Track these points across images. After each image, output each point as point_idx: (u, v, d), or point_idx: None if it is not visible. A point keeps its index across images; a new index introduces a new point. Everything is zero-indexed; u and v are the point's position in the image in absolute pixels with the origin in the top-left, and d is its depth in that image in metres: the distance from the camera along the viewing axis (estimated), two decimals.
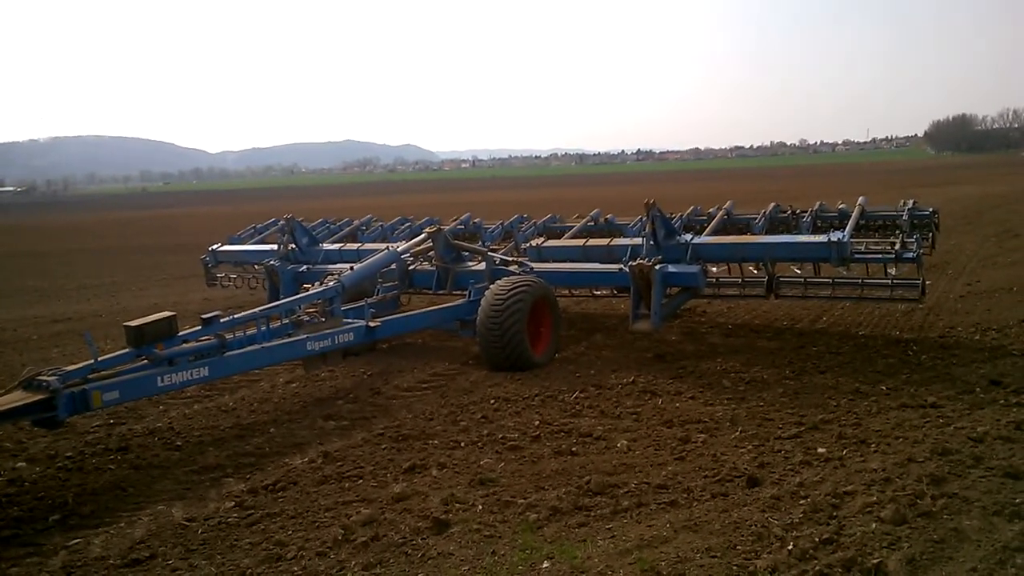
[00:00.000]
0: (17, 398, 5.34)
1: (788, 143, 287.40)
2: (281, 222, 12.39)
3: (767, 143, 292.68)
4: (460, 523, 4.78)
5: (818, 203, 10.14)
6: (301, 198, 72.46)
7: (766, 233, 9.76)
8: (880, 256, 8.53)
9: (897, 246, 8.38)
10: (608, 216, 11.68)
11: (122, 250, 28.80)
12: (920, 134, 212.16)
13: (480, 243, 11.55)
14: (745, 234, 9.88)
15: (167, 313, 6.39)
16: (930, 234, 9.58)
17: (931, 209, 9.70)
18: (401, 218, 13.70)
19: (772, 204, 10.29)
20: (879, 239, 9.14)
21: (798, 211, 10.13)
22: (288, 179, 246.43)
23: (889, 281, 8.64)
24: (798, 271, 9.43)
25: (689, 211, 10.76)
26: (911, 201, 9.83)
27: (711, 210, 10.69)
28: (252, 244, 13.52)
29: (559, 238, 11.10)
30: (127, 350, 6.13)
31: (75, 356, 9.30)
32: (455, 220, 12.43)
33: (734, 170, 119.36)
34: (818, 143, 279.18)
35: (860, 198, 9.92)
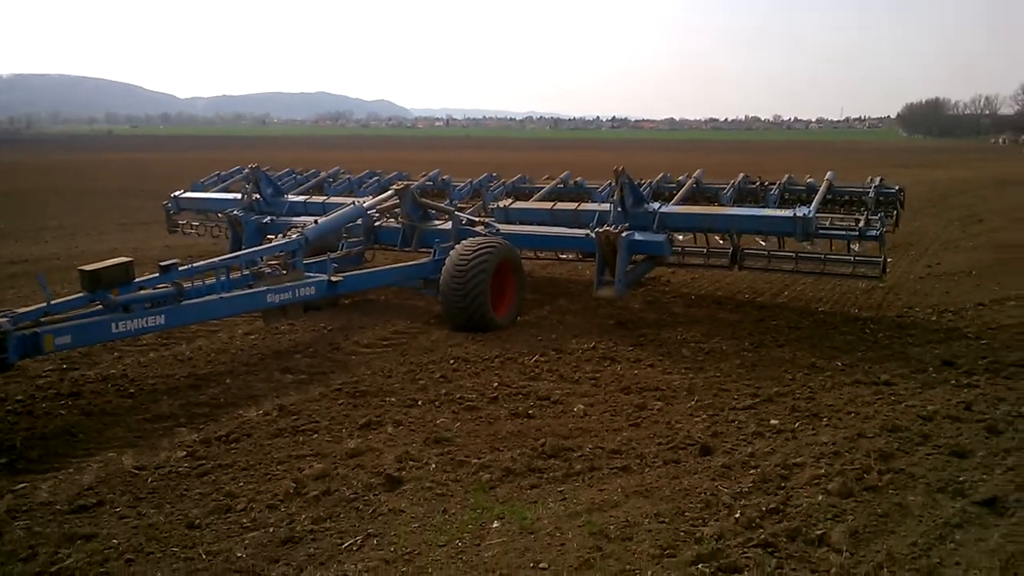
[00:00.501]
0: None
1: (762, 118, 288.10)
2: (246, 170, 12.18)
3: (741, 117, 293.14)
4: (413, 480, 4.79)
5: (787, 176, 10.17)
6: (272, 148, 71.32)
7: (734, 204, 9.80)
8: (844, 233, 8.58)
9: (861, 223, 8.43)
10: (578, 179, 11.64)
11: (84, 192, 28.20)
12: (893, 116, 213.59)
13: (448, 201, 11.46)
14: (714, 203, 9.91)
15: (124, 259, 6.26)
16: (895, 212, 9.67)
17: (897, 187, 9.77)
18: (369, 171, 13.49)
19: (741, 175, 10.32)
20: (844, 215, 9.20)
21: (767, 183, 10.16)
22: (259, 128, 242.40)
23: (851, 258, 8.72)
24: (763, 243, 9.48)
25: (659, 178, 10.75)
26: (878, 178, 9.89)
27: (680, 178, 10.69)
28: (215, 192, 13.29)
29: (528, 198, 11.05)
30: (82, 294, 6.01)
31: (30, 299, 9.14)
32: (424, 176, 12.30)
33: (708, 142, 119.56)
34: (792, 119, 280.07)
35: (828, 173, 9.96)
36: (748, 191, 10.19)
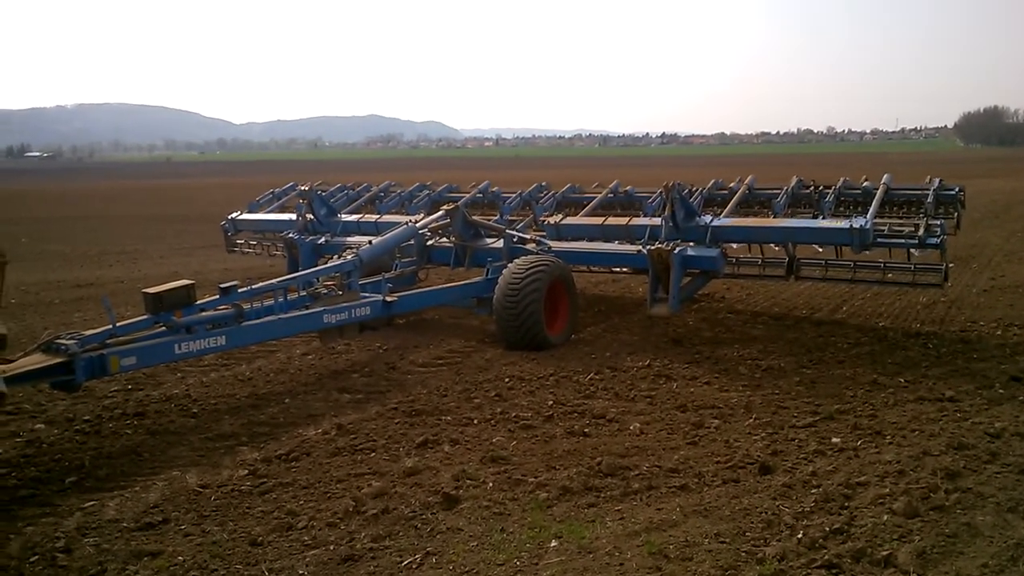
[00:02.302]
0: (36, 361, 5.39)
1: (815, 130, 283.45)
2: (300, 188, 12.41)
3: (793, 130, 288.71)
4: (470, 499, 4.80)
5: (842, 179, 9.90)
6: (325, 171, 72.10)
7: (788, 211, 9.61)
8: (903, 241, 8.33)
9: (920, 231, 8.14)
10: (628, 188, 11.55)
11: (145, 218, 29.01)
12: (950, 125, 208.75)
13: (500, 215, 11.48)
14: (767, 210, 9.75)
15: (186, 281, 6.43)
16: (955, 213, 9.34)
17: (957, 187, 9.45)
18: (419, 185, 13.58)
19: (795, 179, 10.06)
20: (903, 220, 8.86)
21: (821, 187, 9.93)
22: (312, 152, 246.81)
23: (911, 266, 8.50)
24: (819, 249, 9.29)
25: (710, 184, 10.62)
26: (937, 179, 9.57)
27: (732, 184, 10.52)
28: (271, 212, 13.55)
29: (578, 208, 11.04)
30: (146, 316, 6.17)
31: (95, 321, 9.39)
32: (474, 187, 12.39)
33: (760, 156, 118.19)
34: (846, 131, 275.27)
35: (884, 176, 9.70)
36: (802, 196, 9.96)
